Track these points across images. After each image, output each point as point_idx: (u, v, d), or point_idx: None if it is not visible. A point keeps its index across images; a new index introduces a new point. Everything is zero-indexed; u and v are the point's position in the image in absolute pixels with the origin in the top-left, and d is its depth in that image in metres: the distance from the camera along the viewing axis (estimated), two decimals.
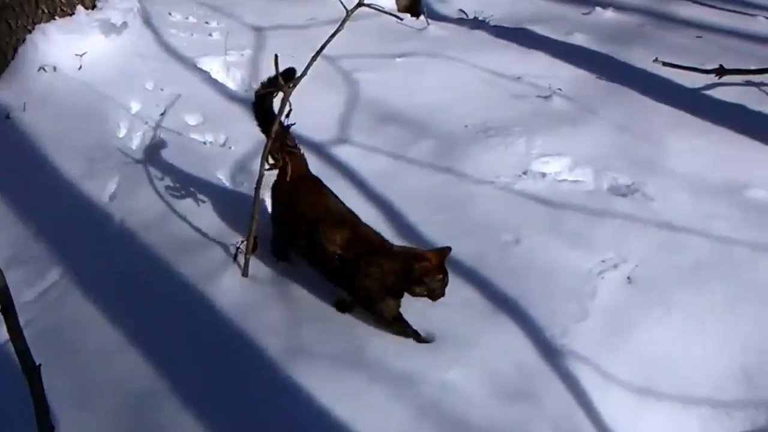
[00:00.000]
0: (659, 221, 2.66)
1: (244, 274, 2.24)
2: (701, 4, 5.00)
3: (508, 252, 2.49)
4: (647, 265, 2.47)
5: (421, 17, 4.40)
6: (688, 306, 2.36)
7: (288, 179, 2.17)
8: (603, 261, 2.48)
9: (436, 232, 2.54)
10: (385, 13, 1.99)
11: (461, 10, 4.66)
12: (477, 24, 4.40)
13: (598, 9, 4.62)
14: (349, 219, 2.16)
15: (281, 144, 2.15)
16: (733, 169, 2.98)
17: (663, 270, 2.45)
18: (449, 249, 2.05)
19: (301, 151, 2.35)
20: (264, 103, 2.27)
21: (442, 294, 2.03)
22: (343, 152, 2.98)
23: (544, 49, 3.96)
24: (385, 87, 3.49)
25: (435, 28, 4.21)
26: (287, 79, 2.02)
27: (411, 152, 3.00)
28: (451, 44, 3.97)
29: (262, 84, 2.26)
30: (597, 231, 2.60)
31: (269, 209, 2.42)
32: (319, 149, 2.96)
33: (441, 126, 3.17)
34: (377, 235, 2.14)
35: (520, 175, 2.87)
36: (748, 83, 3.70)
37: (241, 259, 2.27)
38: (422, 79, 3.57)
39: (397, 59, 3.76)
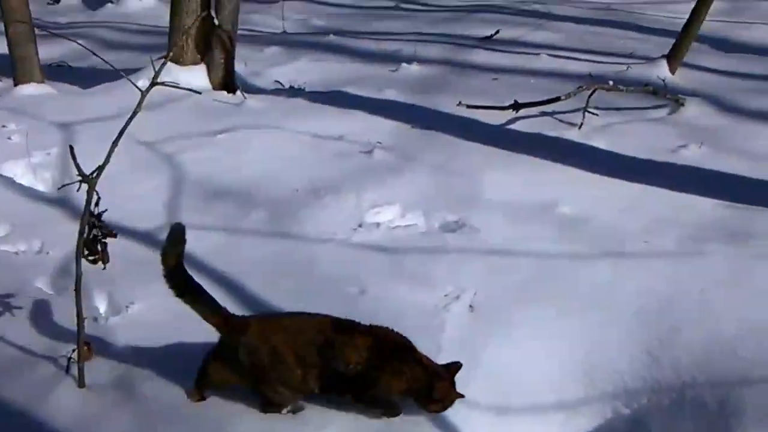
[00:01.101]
0: (487, 249, 2.88)
1: (81, 384, 2.09)
2: (493, 50, 5.59)
3: (356, 303, 2.55)
4: (484, 291, 2.65)
5: (238, 92, 4.48)
6: (525, 321, 2.55)
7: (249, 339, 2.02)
8: (445, 295, 2.62)
9: (281, 297, 2.55)
10: (182, 88, 2.03)
11: (277, 81, 4.82)
12: (294, 92, 4.57)
13: (404, 65, 5.00)
14: (354, 324, 2.11)
15: (95, 236, 2.07)
16: (543, 191, 3.32)
17: (498, 293, 2.65)
18: (461, 365, 2.10)
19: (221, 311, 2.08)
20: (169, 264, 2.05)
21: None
22: None
23: (361, 107, 4.21)
24: (209, 165, 3.49)
25: (252, 101, 4.31)
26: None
27: (244, 224, 3.02)
28: (271, 114, 4.09)
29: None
30: (435, 268, 2.76)
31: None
32: (148, 236, 2.88)
33: (271, 194, 3.23)
34: (394, 333, 2.11)
35: (355, 229, 2.99)
36: (543, 113, 4.17)
37: (75, 369, 2.11)
38: (246, 152, 3.62)
39: (218, 136, 3.79)
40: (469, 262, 2.80)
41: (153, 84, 1.91)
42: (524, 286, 2.70)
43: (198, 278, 2.61)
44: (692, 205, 3.22)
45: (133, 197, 3.19)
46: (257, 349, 2.01)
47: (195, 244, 2.84)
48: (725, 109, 4.34)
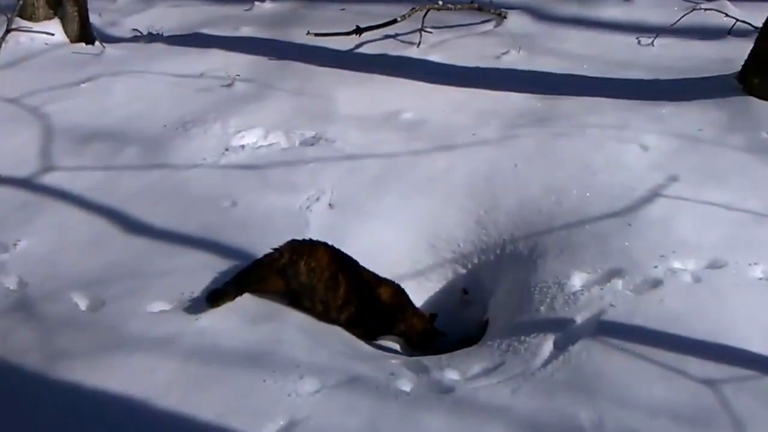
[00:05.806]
0: (342, 156, 3.14)
1: None
2: None
3: (229, 214, 2.75)
4: (340, 190, 2.92)
5: (96, 43, 4.38)
6: (378, 210, 2.86)
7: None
8: (307, 198, 2.88)
9: (162, 218, 2.71)
10: (35, 32, 2.08)
11: (135, 29, 4.72)
12: (152, 38, 4.51)
13: (257, 3, 5.04)
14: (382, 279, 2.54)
15: None
16: (388, 102, 3.59)
17: (352, 191, 2.93)
18: (437, 315, 2.55)
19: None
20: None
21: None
22: (51, 179, 2.96)
23: (219, 46, 4.25)
24: (77, 112, 3.48)
25: (112, 50, 4.23)
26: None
27: (119, 161, 3.09)
28: (132, 60, 4.05)
29: None
30: (297, 177, 3.00)
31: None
32: (26, 181, 2.91)
33: (141, 132, 3.30)
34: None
35: (223, 153, 3.14)
36: (387, 36, 4.39)
37: None
38: (111, 97, 3.62)
39: (82, 85, 3.74)
40: (326, 169, 3.05)
41: (8, 30, 1.96)
42: (375, 182, 3.00)
43: (79, 212, 2.74)
44: (509, 99, 3.61)
45: (6, 150, 3.17)
46: (320, 271, 2.38)
47: (73, 183, 2.94)
48: (541, 17, 4.75)
